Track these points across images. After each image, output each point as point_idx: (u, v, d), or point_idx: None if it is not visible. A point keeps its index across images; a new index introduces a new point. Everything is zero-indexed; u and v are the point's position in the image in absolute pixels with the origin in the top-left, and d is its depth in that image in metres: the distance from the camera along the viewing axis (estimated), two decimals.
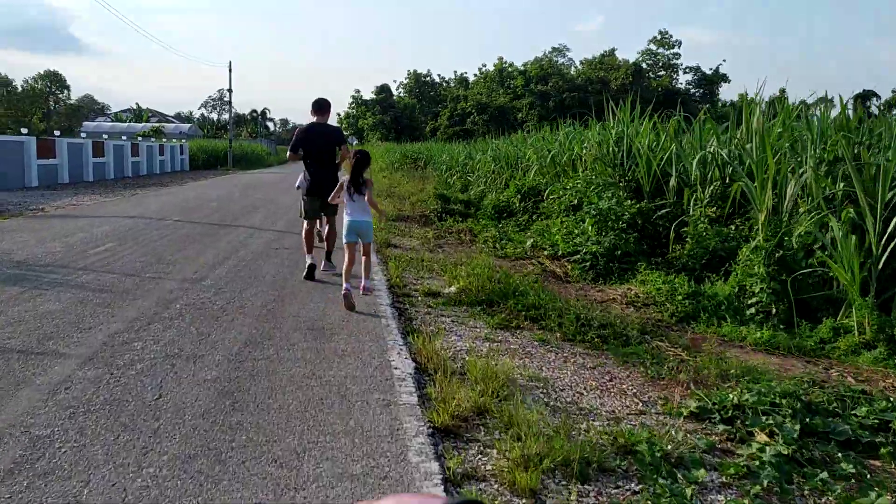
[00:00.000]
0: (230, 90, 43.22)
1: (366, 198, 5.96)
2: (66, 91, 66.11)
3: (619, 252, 8.52)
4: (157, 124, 56.13)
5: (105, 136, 29.42)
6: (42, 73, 64.99)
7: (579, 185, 10.64)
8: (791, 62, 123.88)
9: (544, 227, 10.63)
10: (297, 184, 8.37)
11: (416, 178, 23.67)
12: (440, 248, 9.96)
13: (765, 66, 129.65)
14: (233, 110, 46.02)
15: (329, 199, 6.42)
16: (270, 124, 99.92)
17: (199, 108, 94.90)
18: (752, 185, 7.64)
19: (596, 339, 5.26)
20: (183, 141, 40.15)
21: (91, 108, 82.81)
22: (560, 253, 9.10)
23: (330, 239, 7.47)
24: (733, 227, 8.24)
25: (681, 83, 63.50)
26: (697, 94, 62.20)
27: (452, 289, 6.98)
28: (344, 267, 5.94)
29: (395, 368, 4.23)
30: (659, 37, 63.26)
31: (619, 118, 12.45)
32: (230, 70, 41.81)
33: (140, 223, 11.24)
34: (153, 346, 4.41)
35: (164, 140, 37.97)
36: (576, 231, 9.52)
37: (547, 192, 12.18)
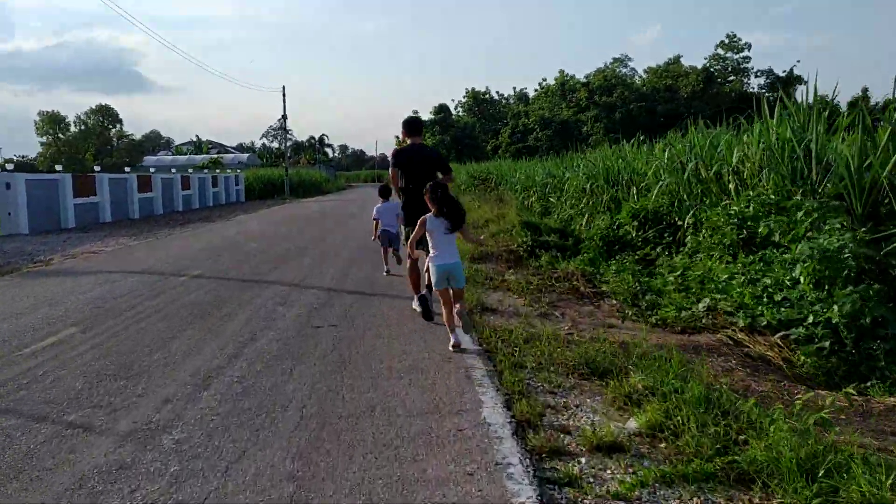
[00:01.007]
0: (284, 116, 41.62)
1: (459, 236, 5.46)
2: (118, 125, 65.06)
3: (868, 319, 5.09)
4: (216, 155, 55.34)
5: (152, 170, 27.65)
6: (94, 107, 63.89)
7: (751, 210, 7.25)
8: (862, 62, 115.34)
9: (704, 273, 7.18)
10: (379, 233, 8.87)
11: (490, 200, 20.47)
12: (556, 311, 6.70)
13: (831, 67, 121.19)
14: (290, 137, 44.47)
15: (411, 241, 5.79)
16: (329, 150, 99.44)
17: (261, 138, 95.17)
18: None
19: None
20: (238, 171, 38.55)
21: (157, 142, 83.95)
22: (765, 322, 5.66)
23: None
24: None
25: (752, 87, 58.72)
26: (771, 97, 57.06)
27: (632, 424, 3.72)
28: (444, 317, 5.34)
29: None
30: (727, 41, 58.88)
31: (778, 115, 9.01)
32: (284, 95, 40.14)
33: (143, 284, 8.44)
34: None
35: (217, 171, 36.40)
36: (766, 281, 6.12)
37: (689, 216, 8.79)
